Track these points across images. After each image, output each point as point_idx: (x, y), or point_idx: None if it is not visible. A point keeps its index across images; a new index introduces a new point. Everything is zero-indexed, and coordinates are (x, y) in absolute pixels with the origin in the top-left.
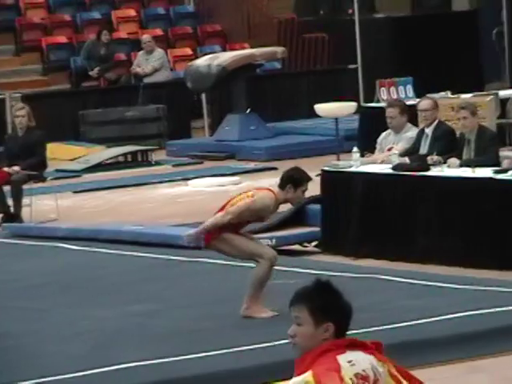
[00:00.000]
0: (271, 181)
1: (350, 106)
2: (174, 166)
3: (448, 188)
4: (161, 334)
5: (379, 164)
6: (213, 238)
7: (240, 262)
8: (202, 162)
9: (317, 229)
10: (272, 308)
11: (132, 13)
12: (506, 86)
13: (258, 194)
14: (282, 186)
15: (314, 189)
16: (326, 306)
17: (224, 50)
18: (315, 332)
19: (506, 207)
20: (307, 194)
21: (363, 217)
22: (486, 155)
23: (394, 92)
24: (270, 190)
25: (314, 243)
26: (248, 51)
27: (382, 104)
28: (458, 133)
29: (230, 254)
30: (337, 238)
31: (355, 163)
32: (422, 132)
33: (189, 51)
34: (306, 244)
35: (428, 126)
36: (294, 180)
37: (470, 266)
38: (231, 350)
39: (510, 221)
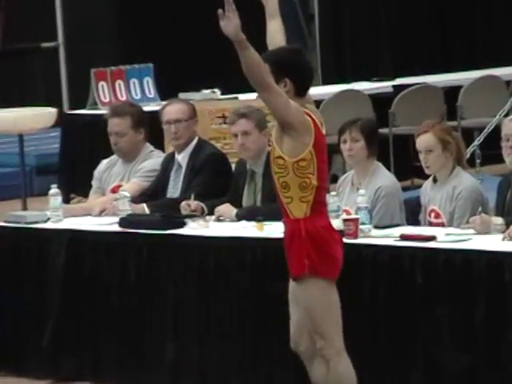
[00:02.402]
0: None
1: (44, 115)
2: None
3: (215, 256)
4: None
5: (97, 216)
6: None
7: None
8: None
9: None
10: None
11: None
12: (315, 83)
13: None
14: None
15: None
16: None
17: None
18: None
19: None
20: None
21: (66, 310)
22: None
23: (123, 89)
24: None
25: None
26: None
27: (102, 111)
28: (233, 162)
29: None
30: (21, 347)
31: (54, 214)
32: (170, 159)
33: None
34: None
35: (181, 148)
36: None
37: None
38: None
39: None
